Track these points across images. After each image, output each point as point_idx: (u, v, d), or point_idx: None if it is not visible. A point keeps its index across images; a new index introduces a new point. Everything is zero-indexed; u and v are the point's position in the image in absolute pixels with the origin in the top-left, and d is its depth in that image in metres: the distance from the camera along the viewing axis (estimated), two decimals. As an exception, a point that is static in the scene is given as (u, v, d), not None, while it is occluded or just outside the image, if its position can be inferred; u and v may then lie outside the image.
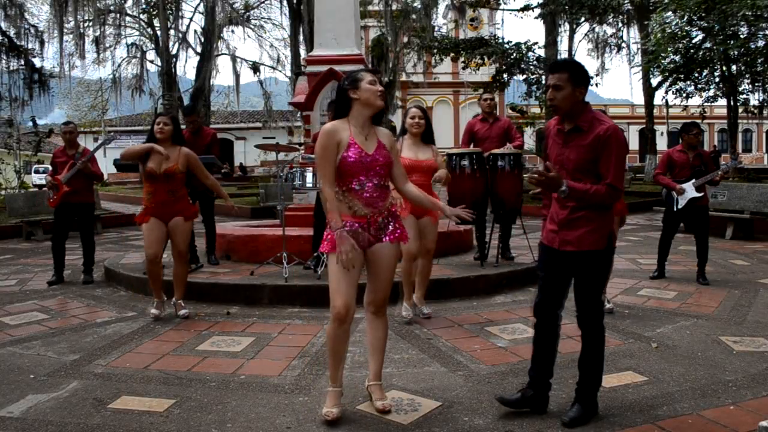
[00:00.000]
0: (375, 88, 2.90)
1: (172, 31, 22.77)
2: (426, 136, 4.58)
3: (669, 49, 15.14)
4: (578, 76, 2.74)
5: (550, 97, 2.78)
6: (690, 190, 5.94)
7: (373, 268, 2.95)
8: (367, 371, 3.14)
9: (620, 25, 23.41)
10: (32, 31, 19.45)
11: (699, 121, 6.98)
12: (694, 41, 15.87)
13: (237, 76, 24.58)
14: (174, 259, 4.94)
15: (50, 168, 6.77)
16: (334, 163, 2.82)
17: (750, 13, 12.89)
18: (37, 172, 30.47)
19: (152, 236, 4.70)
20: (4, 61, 18.28)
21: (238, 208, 14.52)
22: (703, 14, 13.88)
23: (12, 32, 18.57)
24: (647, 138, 22.31)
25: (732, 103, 18.75)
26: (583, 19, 20.17)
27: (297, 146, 6.71)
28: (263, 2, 25.26)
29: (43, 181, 6.21)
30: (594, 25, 23.05)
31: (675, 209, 6.03)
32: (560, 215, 2.84)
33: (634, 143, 41.91)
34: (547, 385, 2.97)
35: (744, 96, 18.97)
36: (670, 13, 14.92)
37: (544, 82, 19.82)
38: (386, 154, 2.91)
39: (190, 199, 5.12)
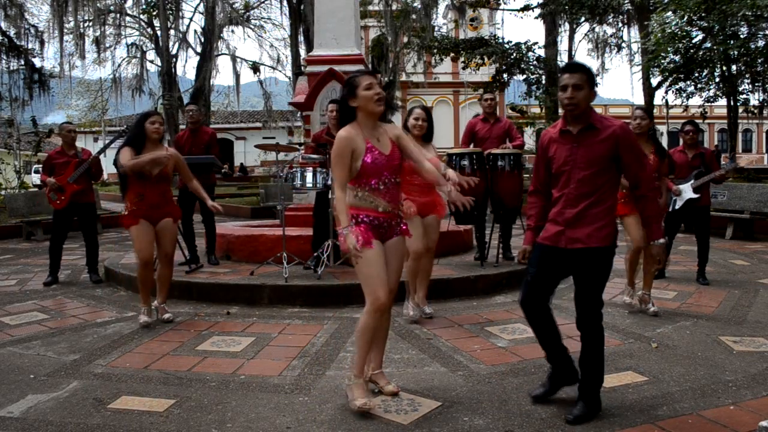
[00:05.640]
0: (370, 94, 2.93)
1: (172, 31, 22.80)
2: (426, 137, 4.60)
3: (669, 49, 15.11)
4: (593, 79, 2.87)
5: (570, 96, 2.80)
6: (687, 191, 5.93)
7: (387, 260, 3.01)
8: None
9: (620, 25, 23.37)
10: (32, 31, 19.47)
11: (699, 120, 6.94)
12: (694, 41, 15.84)
13: (237, 76, 24.61)
14: (160, 261, 4.80)
15: (42, 170, 6.54)
16: (347, 168, 2.92)
17: (750, 13, 12.88)
18: (37, 172, 30.48)
19: (144, 239, 4.58)
20: (4, 61, 18.30)
21: (233, 208, 14.55)
22: (703, 14, 13.87)
23: (12, 32, 18.58)
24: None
25: (732, 103, 18.72)
26: (583, 19, 20.15)
27: (297, 146, 6.69)
28: (263, 2, 25.29)
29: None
30: (594, 25, 23.01)
31: (672, 210, 6.04)
32: (566, 214, 2.86)
33: (633, 143, 41.87)
34: (568, 359, 3.03)
35: (744, 96, 18.93)
36: (670, 13, 14.91)
37: (544, 82, 19.82)
38: (398, 152, 3.03)
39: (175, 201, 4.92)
